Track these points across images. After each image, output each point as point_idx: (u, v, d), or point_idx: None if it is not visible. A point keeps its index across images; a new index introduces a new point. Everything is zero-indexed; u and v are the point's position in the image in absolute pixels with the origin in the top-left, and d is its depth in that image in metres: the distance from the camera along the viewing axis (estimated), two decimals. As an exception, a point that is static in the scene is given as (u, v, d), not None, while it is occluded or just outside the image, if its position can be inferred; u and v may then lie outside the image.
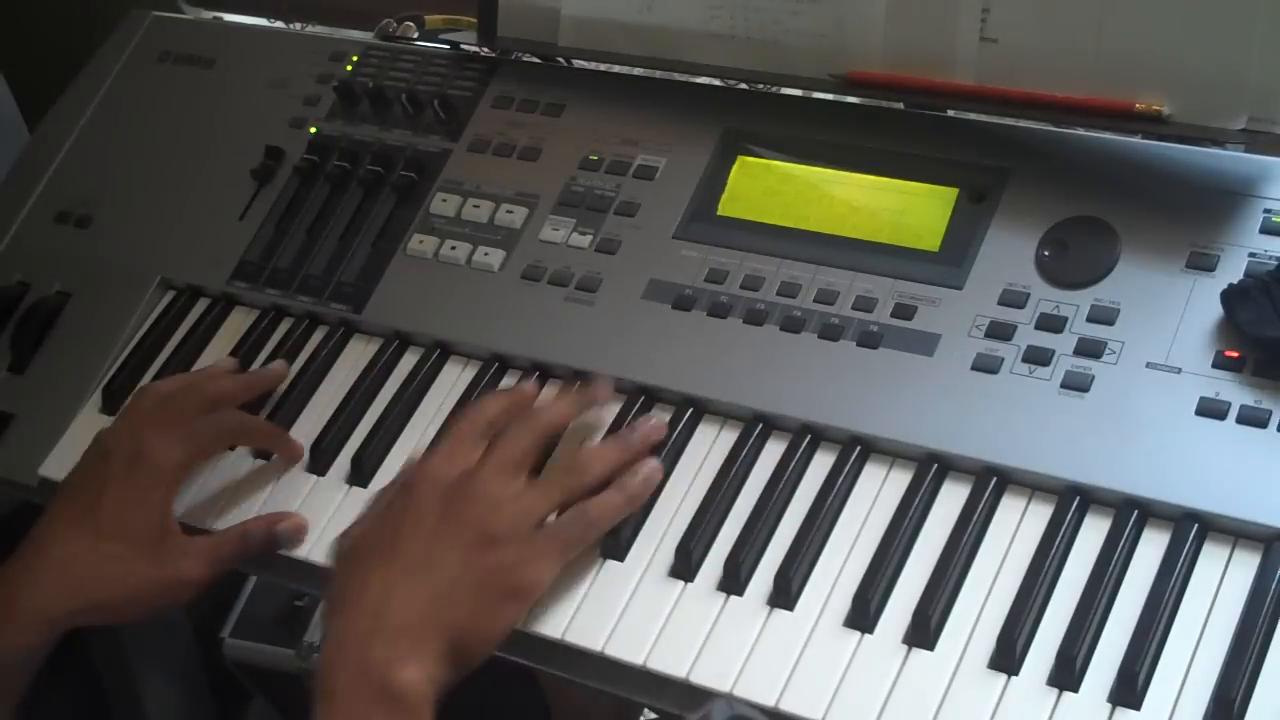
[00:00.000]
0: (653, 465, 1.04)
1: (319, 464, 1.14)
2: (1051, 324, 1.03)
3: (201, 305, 1.28)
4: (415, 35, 1.38)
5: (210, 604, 1.54)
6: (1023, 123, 1.14)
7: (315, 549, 1.10)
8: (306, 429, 1.17)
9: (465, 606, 0.97)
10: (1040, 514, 0.98)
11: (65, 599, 1.07)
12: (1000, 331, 1.04)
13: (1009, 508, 0.99)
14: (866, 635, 0.96)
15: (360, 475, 1.13)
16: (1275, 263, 1.00)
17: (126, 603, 1.08)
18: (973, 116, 1.14)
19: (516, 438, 1.03)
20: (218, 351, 1.24)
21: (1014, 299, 1.05)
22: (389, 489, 1.05)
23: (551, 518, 1.01)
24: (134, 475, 1.09)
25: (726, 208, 1.16)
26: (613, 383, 1.10)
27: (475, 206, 1.23)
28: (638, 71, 1.28)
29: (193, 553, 1.09)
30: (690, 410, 1.08)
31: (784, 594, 0.98)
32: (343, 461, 1.14)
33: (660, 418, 1.07)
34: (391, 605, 0.96)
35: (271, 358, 1.21)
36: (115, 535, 1.07)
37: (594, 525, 1.01)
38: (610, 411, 1.10)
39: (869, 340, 1.06)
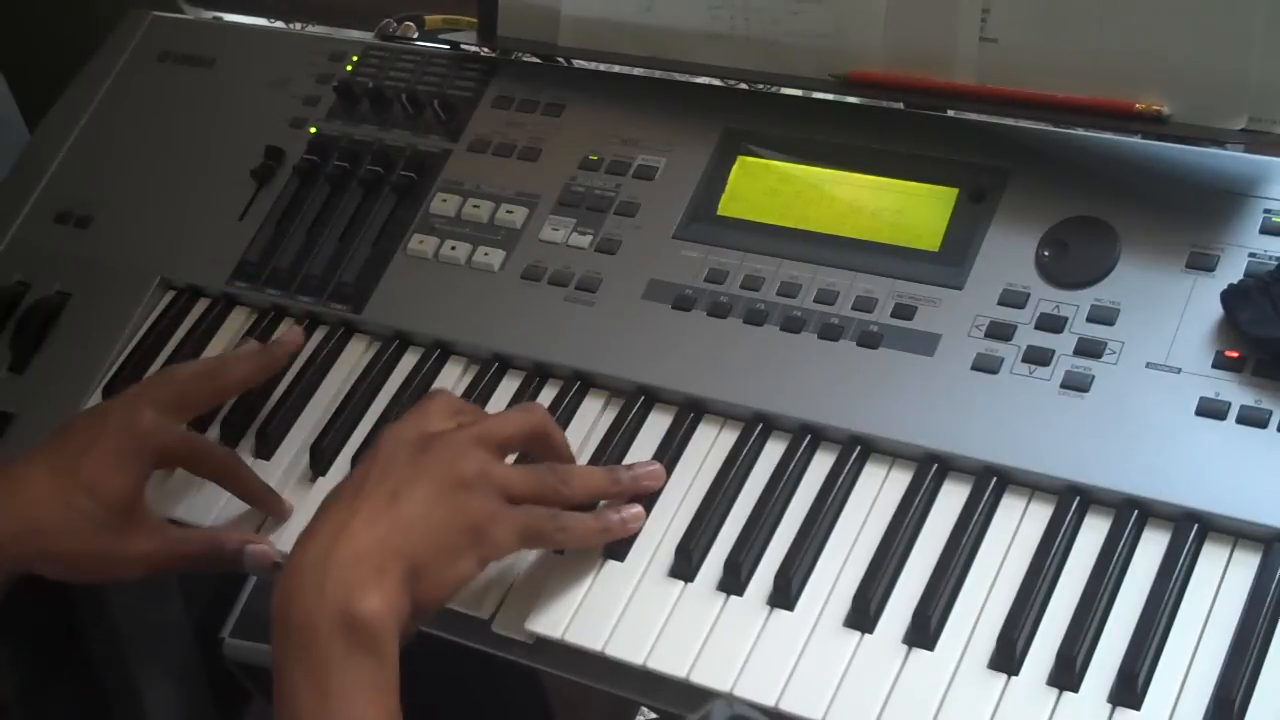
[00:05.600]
0: (637, 512, 1.02)
1: (319, 464, 1.14)
2: (1051, 324, 1.03)
3: (201, 305, 1.28)
4: (415, 35, 1.38)
5: (210, 604, 1.54)
6: (1023, 123, 1.14)
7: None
8: (306, 429, 1.17)
9: (426, 538, 0.93)
10: (1040, 514, 0.98)
11: (20, 542, 1.06)
12: (1000, 331, 1.04)
13: (1009, 508, 0.99)
14: (866, 635, 0.96)
15: (360, 475, 1.13)
16: (1275, 263, 1.00)
17: (75, 561, 1.07)
18: (973, 116, 1.14)
19: (505, 421, 1.01)
20: (218, 352, 1.24)
21: (1014, 299, 1.05)
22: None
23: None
24: (123, 442, 1.07)
25: (726, 208, 1.16)
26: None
27: (475, 206, 1.23)
28: (638, 71, 1.28)
29: (157, 536, 1.08)
30: (690, 410, 1.09)
31: (784, 594, 0.98)
32: (343, 461, 1.14)
33: (660, 468, 1.05)
34: (350, 530, 0.92)
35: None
36: (88, 492, 1.06)
37: (561, 532, 0.99)
38: (609, 414, 1.10)
39: (869, 340, 1.06)
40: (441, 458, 0.97)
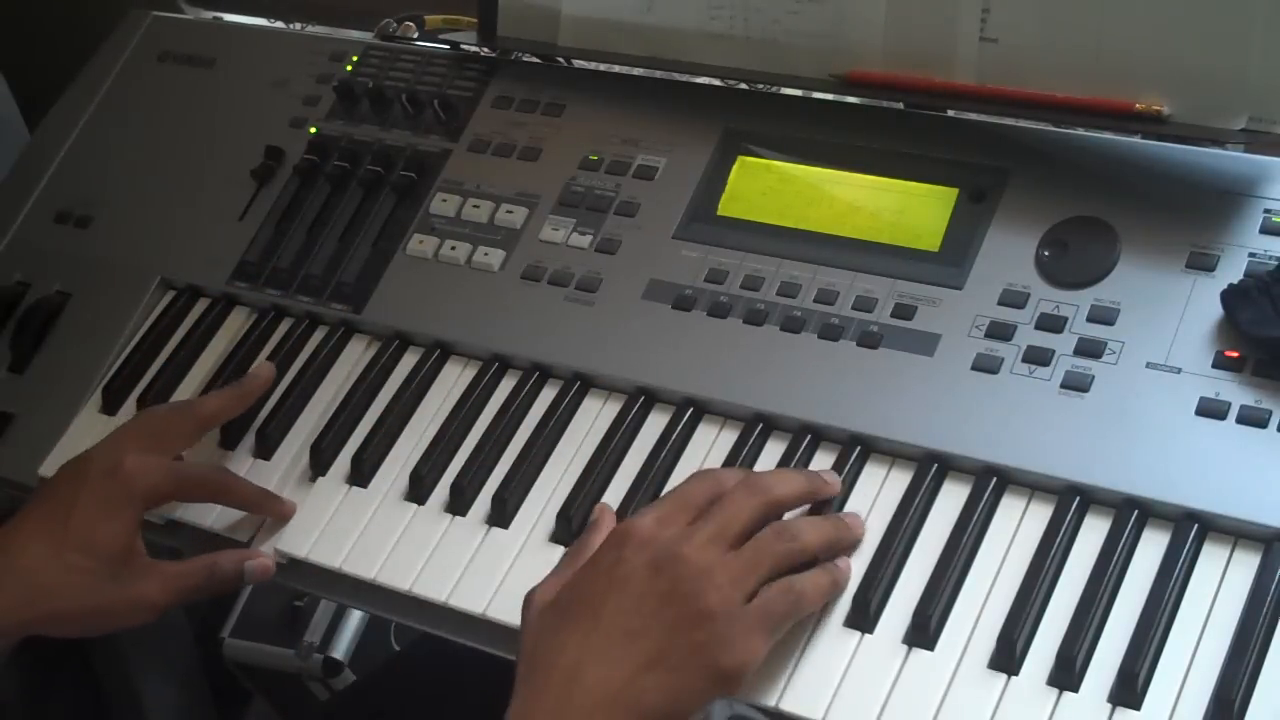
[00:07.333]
0: (848, 562, 0.98)
1: (319, 464, 1.14)
2: (1051, 324, 1.03)
3: (201, 305, 1.28)
4: (415, 35, 1.38)
5: (210, 604, 1.54)
6: (1023, 123, 1.14)
7: (315, 549, 1.10)
8: (306, 429, 1.17)
9: (664, 689, 0.89)
10: (1040, 514, 0.98)
11: (23, 609, 1.05)
12: (1000, 331, 1.04)
13: (1009, 508, 0.99)
14: (866, 635, 0.96)
15: (360, 475, 1.13)
16: (1275, 263, 1.00)
17: (82, 618, 1.07)
18: (973, 116, 1.14)
19: (738, 510, 0.95)
20: (217, 352, 1.24)
21: (1014, 299, 1.05)
22: (585, 542, 0.98)
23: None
24: (108, 490, 1.06)
25: (726, 208, 1.16)
26: (839, 481, 1.02)
27: (475, 206, 1.23)
28: (638, 71, 1.28)
29: (156, 577, 1.07)
30: (690, 410, 1.09)
31: (784, 594, 0.98)
32: (343, 461, 1.14)
33: (862, 522, 1.00)
34: (585, 677, 0.89)
35: (271, 358, 1.21)
36: (81, 548, 1.05)
37: (801, 601, 0.94)
38: (609, 414, 1.10)
39: (869, 340, 1.06)
40: (684, 586, 0.91)
